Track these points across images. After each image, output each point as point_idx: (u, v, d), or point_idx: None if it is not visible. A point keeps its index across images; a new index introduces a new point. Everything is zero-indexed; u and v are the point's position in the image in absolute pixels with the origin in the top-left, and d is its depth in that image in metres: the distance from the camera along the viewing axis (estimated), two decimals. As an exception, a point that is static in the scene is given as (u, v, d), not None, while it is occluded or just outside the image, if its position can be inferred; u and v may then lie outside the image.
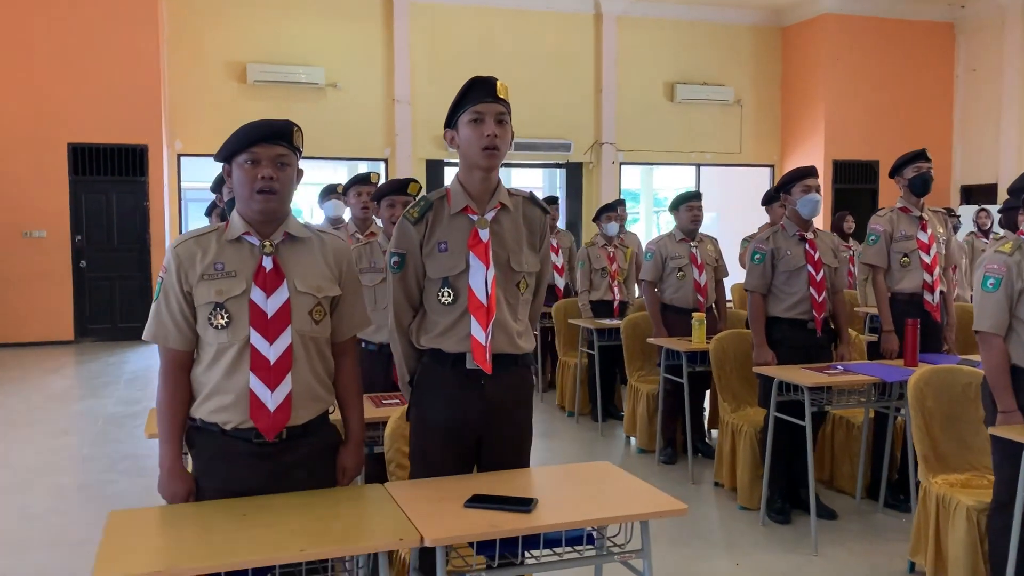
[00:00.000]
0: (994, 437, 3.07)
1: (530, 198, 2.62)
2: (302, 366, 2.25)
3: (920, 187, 4.66)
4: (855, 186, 13.68)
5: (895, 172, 4.71)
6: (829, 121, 13.53)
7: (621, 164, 13.92)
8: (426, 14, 12.71)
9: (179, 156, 11.94)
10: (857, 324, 6.65)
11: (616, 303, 6.51)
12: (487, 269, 2.44)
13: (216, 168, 2.56)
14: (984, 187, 13.21)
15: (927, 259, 4.60)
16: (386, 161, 12.86)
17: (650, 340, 5.39)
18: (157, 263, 10.69)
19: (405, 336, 2.57)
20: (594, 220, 6.87)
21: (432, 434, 2.51)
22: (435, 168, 13.02)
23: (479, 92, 2.43)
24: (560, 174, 14.06)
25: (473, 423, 2.49)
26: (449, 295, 2.47)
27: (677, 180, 15.66)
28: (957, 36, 13.83)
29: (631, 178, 16.78)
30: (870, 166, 13.62)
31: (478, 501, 2.17)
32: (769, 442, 4.27)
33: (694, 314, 5.11)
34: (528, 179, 16.85)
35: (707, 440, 5.68)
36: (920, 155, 4.65)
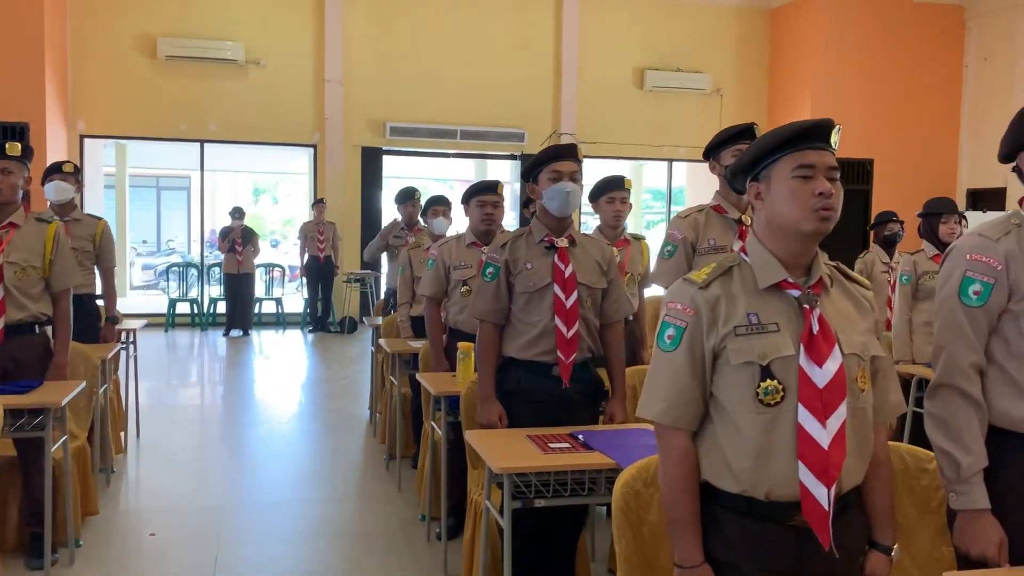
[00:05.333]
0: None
1: None
2: None
3: (741, 179, 3.27)
4: (846, 188, 12.08)
5: (710, 153, 3.30)
6: (818, 115, 11.90)
7: (583, 157, 12.52)
8: (359, -15, 11.51)
9: (82, 137, 10.89)
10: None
11: (443, 321, 5.18)
12: None
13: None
14: (993, 191, 11.56)
15: (744, 281, 3.18)
16: (315, 147, 11.67)
17: (417, 376, 4.05)
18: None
19: None
20: (421, 215, 5.53)
21: None
22: (372, 156, 11.74)
23: None
24: (513, 167, 12.73)
25: None
26: None
27: (651, 178, 14.22)
28: (967, 21, 12.17)
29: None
30: (863, 165, 11.93)
31: None
32: (507, 537, 2.96)
33: (460, 344, 3.79)
34: (498, 172, 15.57)
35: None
36: (744, 133, 3.24)
